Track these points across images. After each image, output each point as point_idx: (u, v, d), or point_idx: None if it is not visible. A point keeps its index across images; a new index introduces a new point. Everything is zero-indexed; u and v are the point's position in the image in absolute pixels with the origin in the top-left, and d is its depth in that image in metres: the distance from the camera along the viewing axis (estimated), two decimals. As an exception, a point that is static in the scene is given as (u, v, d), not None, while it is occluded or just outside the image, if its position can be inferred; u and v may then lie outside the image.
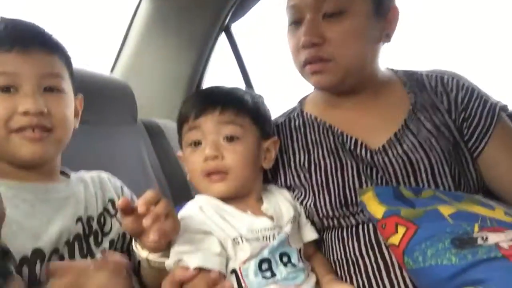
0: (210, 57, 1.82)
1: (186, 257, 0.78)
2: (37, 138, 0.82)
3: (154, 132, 1.44)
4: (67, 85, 0.89)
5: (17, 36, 0.83)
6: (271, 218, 0.87)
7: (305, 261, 0.89)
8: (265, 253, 0.82)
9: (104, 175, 1.00)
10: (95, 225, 0.89)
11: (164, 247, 0.77)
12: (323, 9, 0.90)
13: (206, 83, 1.83)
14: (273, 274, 0.82)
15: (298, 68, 0.98)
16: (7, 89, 0.81)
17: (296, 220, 0.92)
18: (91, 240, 0.87)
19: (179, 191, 1.34)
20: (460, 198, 0.84)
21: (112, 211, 0.94)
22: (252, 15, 1.83)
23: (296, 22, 0.95)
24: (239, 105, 0.90)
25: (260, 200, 0.91)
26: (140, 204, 0.70)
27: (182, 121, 0.92)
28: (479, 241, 0.72)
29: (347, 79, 0.94)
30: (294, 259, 0.86)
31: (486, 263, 0.68)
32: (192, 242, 0.79)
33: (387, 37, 0.97)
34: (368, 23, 0.92)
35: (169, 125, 1.52)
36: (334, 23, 0.90)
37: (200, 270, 0.77)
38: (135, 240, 0.78)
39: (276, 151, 0.97)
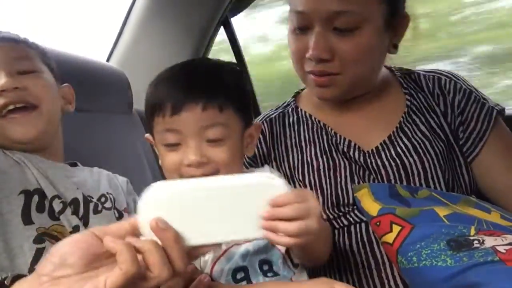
0: (208, 50, 1.80)
1: None
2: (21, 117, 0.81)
3: (149, 122, 1.43)
4: (42, 68, 0.89)
5: None
6: None
7: (290, 267, 0.79)
8: (239, 260, 0.75)
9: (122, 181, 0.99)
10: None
11: None
12: (334, 23, 0.84)
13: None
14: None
15: (299, 73, 0.93)
16: None
17: None
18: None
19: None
20: (456, 200, 0.83)
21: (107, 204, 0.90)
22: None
23: (301, 29, 0.88)
24: (223, 98, 0.76)
25: None
26: None
27: (153, 111, 0.77)
28: (476, 244, 0.70)
29: (351, 91, 0.92)
30: (276, 266, 0.77)
31: (483, 267, 0.67)
32: None
33: (395, 48, 0.93)
34: (379, 37, 0.87)
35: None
36: (344, 38, 0.84)
37: None
38: None
39: (258, 135, 0.89)
